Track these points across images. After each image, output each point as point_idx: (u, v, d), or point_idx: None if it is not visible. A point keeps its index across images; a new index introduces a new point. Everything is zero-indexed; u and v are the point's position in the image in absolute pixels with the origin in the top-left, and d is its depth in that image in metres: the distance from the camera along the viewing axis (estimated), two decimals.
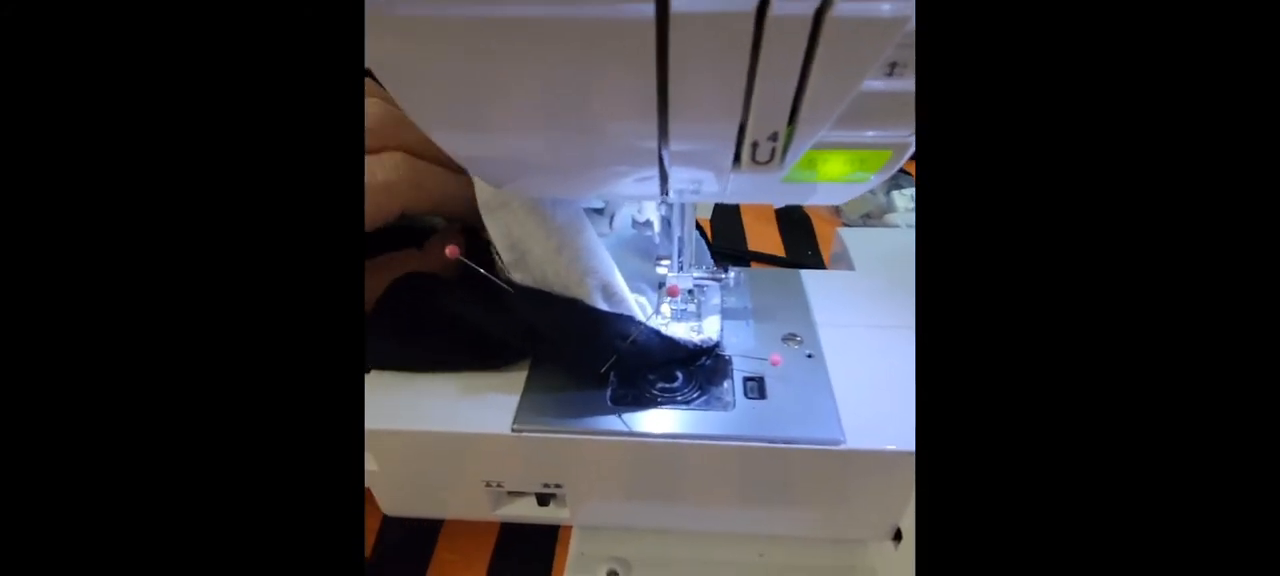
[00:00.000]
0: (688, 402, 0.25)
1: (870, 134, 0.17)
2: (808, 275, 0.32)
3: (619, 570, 0.30)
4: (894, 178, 0.61)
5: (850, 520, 0.27)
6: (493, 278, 0.24)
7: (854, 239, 0.36)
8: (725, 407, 0.25)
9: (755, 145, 0.17)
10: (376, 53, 0.14)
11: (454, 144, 0.19)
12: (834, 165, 0.18)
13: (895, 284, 0.32)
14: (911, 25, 0.13)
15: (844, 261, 0.36)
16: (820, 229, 0.57)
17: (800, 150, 0.17)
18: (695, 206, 0.26)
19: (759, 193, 0.22)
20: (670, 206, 0.26)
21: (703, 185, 0.20)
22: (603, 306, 0.24)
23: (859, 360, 0.27)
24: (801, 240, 0.56)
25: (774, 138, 0.16)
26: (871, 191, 0.60)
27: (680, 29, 0.13)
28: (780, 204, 0.24)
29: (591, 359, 0.24)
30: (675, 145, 0.17)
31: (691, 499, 0.27)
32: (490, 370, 0.26)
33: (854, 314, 0.30)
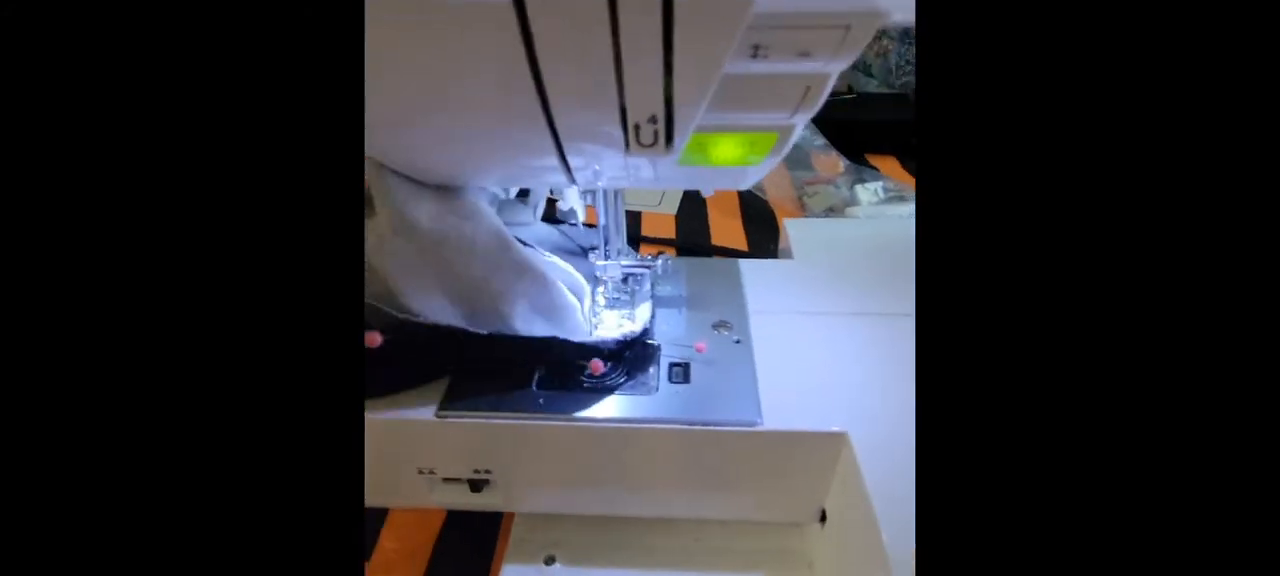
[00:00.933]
0: (613, 388, 0.26)
1: (749, 117, 0.17)
2: (747, 264, 0.33)
3: (557, 555, 0.30)
4: (858, 172, 0.62)
5: (776, 502, 0.27)
6: (409, 320, 0.23)
7: (798, 229, 0.37)
8: (649, 392, 0.25)
9: (638, 127, 0.17)
10: None
11: (383, 151, 0.20)
12: (724, 149, 0.18)
13: (832, 273, 0.32)
14: (763, 7, 0.14)
15: (788, 252, 0.36)
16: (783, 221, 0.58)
17: (685, 133, 0.17)
18: (623, 195, 0.27)
19: (664, 178, 0.22)
20: (593, 194, 0.26)
21: (604, 171, 0.20)
22: (531, 326, 0.25)
23: (786, 345, 0.28)
24: (765, 233, 0.56)
25: (654, 120, 0.17)
26: (835, 186, 0.61)
27: (538, 12, 0.14)
28: (704, 188, 0.24)
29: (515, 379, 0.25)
30: (564, 130, 0.18)
31: (623, 483, 0.28)
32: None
33: (787, 301, 0.30)
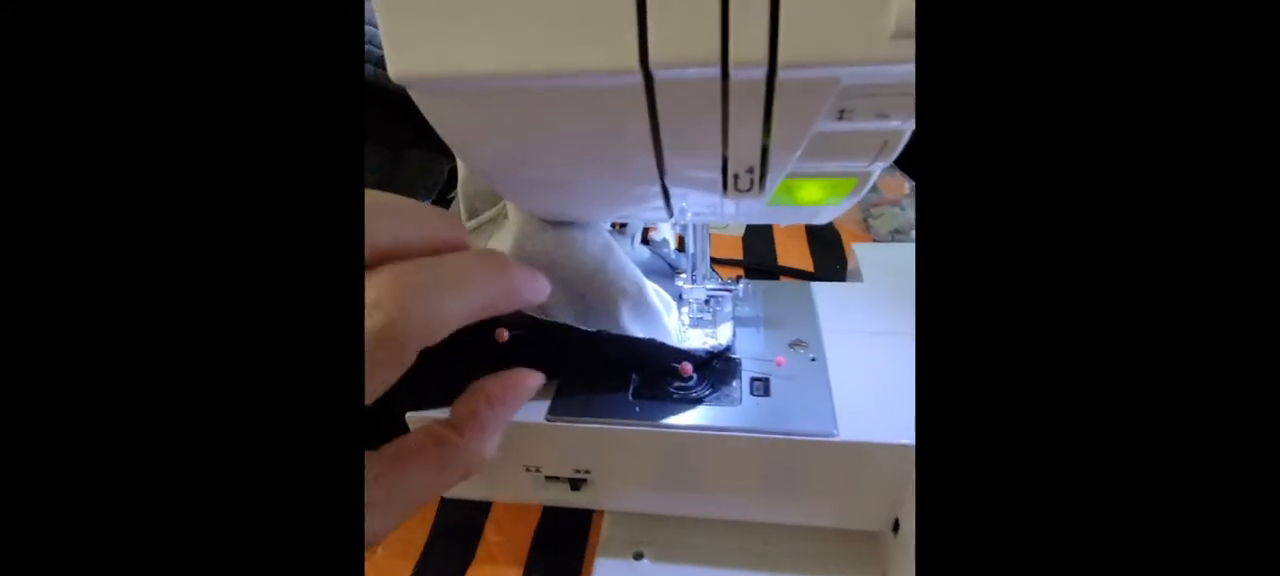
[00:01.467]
0: (700, 399, 0.29)
1: (832, 165, 0.20)
2: (818, 287, 0.35)
3: (645, 552, 0.33)
4: None
5: (849, 510, 0.30)
6: (535, 318, 0.27)
7: (867, 253, 0.39)
8: (732, 403, 0.28)
9: (737, 176, 0.20)
10: (448, 118, 0.19)
11: (499, 181, 0.24)
12: (809, 191, 0.21)
13: (900, 295, 0.34)
14: (849, 81, 0.16)
15: (857, 275, 0.38)
16: (850, 244, 0.59)
17: (776, 180, 0.20)
18: (708, 227, 0.30)
19: (753, 214, 0.25)
20: (685, 226, 0.30)
21: (701, 209, 0.23)
22: (630, 325, 0.28)
23: (859, 363, 0.30)
24: (830, 256, 0.58)
25: (751, 170, 0.20)
26: (900, 207, 0.62)
27: (664, 92, 0.17)
28: (775, 222, 0.27)
29: (613, 384, 0.29)
30: (673, 179, 0.21)
31: (705, 487, 0.31)
32: None
33: (858, 321, 0.32)
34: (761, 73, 0.16)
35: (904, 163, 0.67)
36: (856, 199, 0.22)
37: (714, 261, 0.58)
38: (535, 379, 0.26)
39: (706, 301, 0.32)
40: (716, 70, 0.16)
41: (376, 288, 0.18)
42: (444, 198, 0.46)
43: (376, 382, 0.17)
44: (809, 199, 0.22)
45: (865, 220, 0.62)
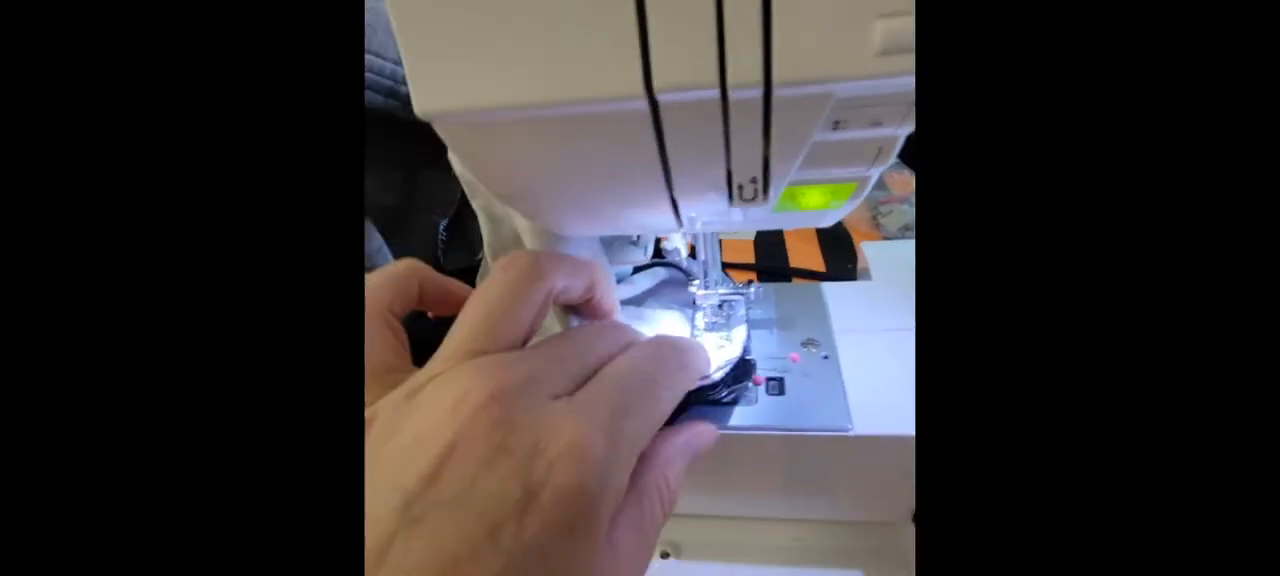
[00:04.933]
0: (718, 401, 0.30)
1: (832, 172, 0.21)
2: (829, 287, 0.36)
3: (671, 551, 0.34)
4: None
5: (868, 501, 0.30)
6: None
7: (875, 252, 0.39)
8: (749, 403, 0.29)
9: (741, 187, 0.21)
10: (470, 149, 0.20)
11: (518, 202, 0.25)
12: (811, 197, 0.22)
13: (908, 291, 0.35)
14: (841, 95, 0.18)
15: (867, 273, 0.39)
16: (859, 243, 0.60)
17: (779, 188, 0.22)
18: (718, 235, 0.31)
19: (760, 221, 0.26)
20: (695, 236, 0.31)
21: (710, 218, 0.25)
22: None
23: (870, 359, 0.31)
24: (841, 255, 0.59)
25: (754, 180, 0.21)
26: (909, 204, 0.63)
27: (668, 114, 0.18)
28: (783, 227, 0.28)
29: None
30: (681, 192, 0.22)
31: (729, 486, 0.32)
32: None
33: (868, 320, 0.33)
34: (758, 92, 0.17)
35: (912, 159, 0.67)
36: (858, 201, 0.23)
37: (727, 266, 0.60)
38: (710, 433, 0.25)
39: (720, 306, 0.33)
40: (716, 92, 0.17)
41: (572, 427, 0.18)
42: (459, 218, 0.48)
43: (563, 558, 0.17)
44: (812, 204, 0.23)
45: (874, 217, 0.63)
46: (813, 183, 0.22)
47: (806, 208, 0.23)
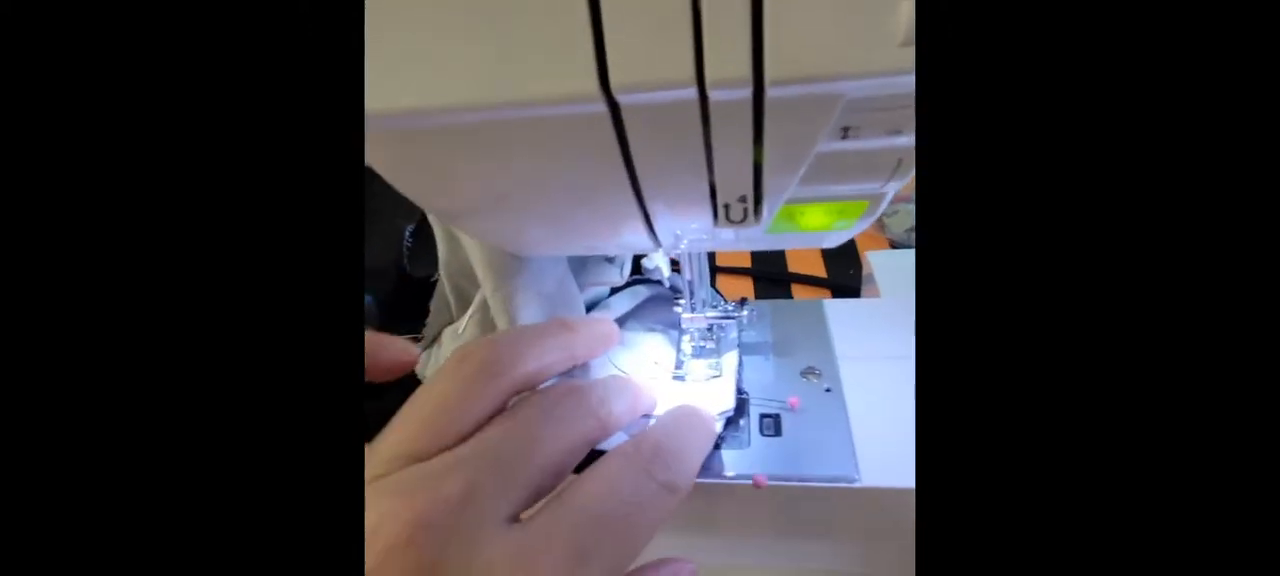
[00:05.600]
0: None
1: (839, 188, 0.17)
2: (830, 305, 0.32)
3: None
4: None
5: (876, 556, 0.27)
6: None
7: (882, 261, 0.36)
8: (740, 446, 0.26)
9: (727, 206, 0.17)
10: (399, 163, 0.17)
11: (465, 221, 0.21)
12: (813, 217, 0.19)
13: None
14: (853, 96, 0.14)
15: (873, 286, 0.35)
16: (863, 247, 0.56)
17: (774, 206, 0.18)
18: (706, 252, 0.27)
19: (753, 241, 0.22)
20: (679, 253, 0.27)
21: (692, 240, 0.21)
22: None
23: (880, 394, 0.27)
24: (843, 261, 0.55)
25: (744, 199, 0.17)
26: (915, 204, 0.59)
27: (632, 119, 0.14)
28: (780, 248, 0.24)
29: None
30: (655, 208, 0.18)
31: (719, 535, 0.28)
32: None
33: (877, 345, 0.29)
34: (746, 93, 0.13)
35: None
36: (871, 220, 0.19)
37: (718, 270, 0.56)
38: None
39: (709, 329, 0.29)
40: (692, 91, 0.13)
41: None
42: (426, 223, 0.44)
43: None
44: (814, 225, 0.19)
45: (880, 220, 0.59)
46: (816, 201, 0.18)
47: (807, 228, 0.19)
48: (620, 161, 0.16)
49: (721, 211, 0.18)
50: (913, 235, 0.56)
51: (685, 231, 0.20)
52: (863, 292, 0.39)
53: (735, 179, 0.16)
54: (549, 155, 0.16)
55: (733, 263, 0.56)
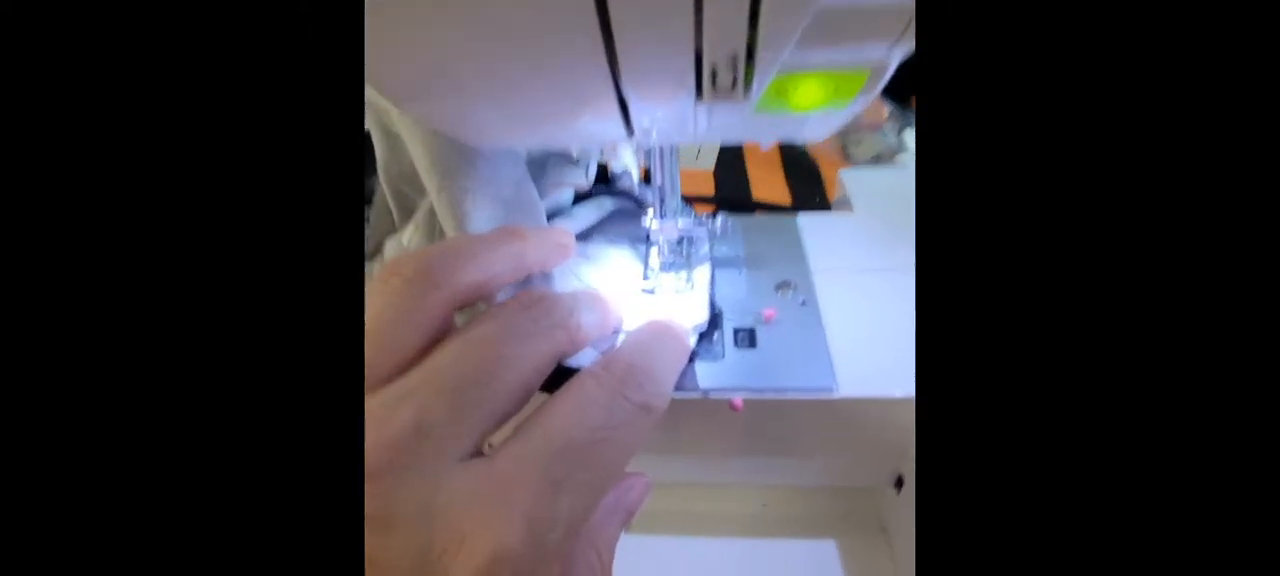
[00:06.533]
0: None
1: (841, 54, 0.15)
2: (805, 219, 0.31)
3: None
4: (905, 117, 0.59)
5: (850, 468, 0.26)
6: None
7: (856, 180, 0.34)
8: (714, 358, 0.24)
9: (715, 71, 0.15)
10: None
11: (408, 99, 0.19)
12: (807, 92, 0.17)
13: (897, 226, 0.30)
14: None
15: (845, 204, 0.34)
16: (828, 174, 0.55)
17: (766, 75, 0.16)
18: (678, 152, 0.25)
19: (734, 129, 0.20)
20: (649, 153, 0.25)
21: (669, 121, 0.19)
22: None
23: (856, 306, 0.26)
24: (808, 187, 0.54)
25: (734, 61, 0.15)
26: (881, 133, 0.58)
27: None
28: (761, 140, 0.22)
29: None
30: (631, 83, 0.16)
31: (690, 451, 0.27)
32: None
33: (852, 258, 0.28)
34: None
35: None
36: (867, 101, 0.17)
37: (682, 200, 0.54)
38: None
39: (679, 242, 0.27)
40: None
41: (481, 522, 0.14)
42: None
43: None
44: (807, 102, 0.17)
45: (844, 148, 0.58)
46: (812, 70, 0.16)
47: (799, 107, 0.17)
48: (595, 20, 0.14)
49: (708, 79, 0.15)
50: (878, 162, 0.55)
51: (658, 117, 0.18)
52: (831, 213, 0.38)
53: (727, 34, 0.14)
54: (511, 16, 0.14)
55: (696, 191, 0.54)
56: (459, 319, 0.19)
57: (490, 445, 0.16)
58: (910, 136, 0.56)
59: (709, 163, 0.58)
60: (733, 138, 0.22)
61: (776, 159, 0.58)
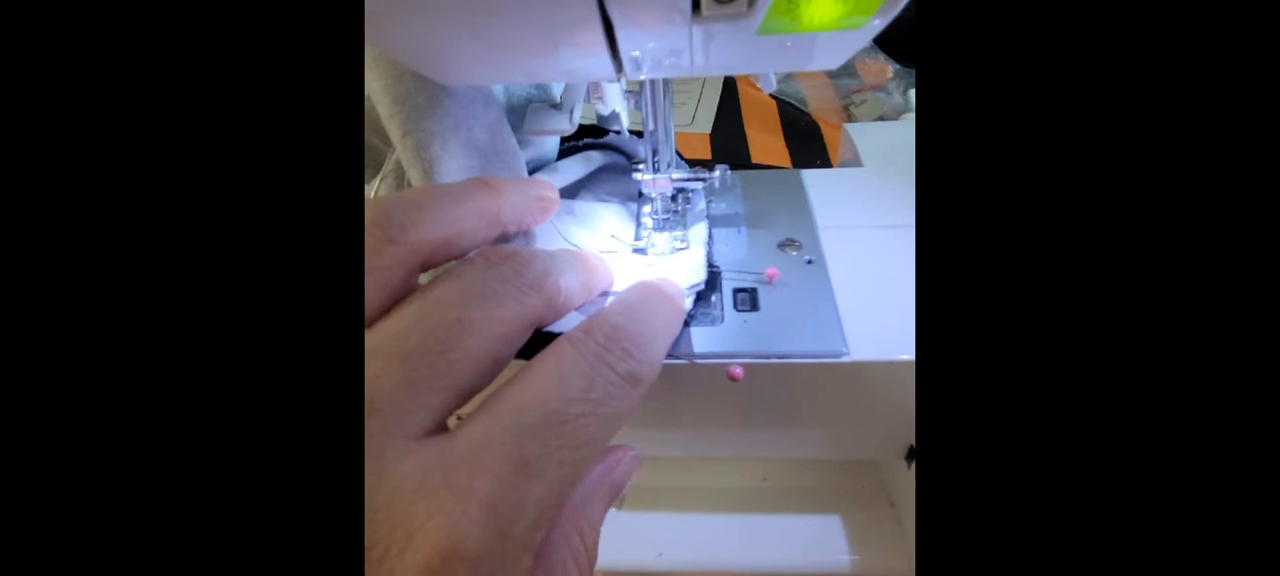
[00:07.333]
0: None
1: None
2: (809, 174, 0.29)
3: (621, 500, 0.28)
4: (909, 76, 0.56)
5: (859, 438, 0.24)
6: None
7: (862, 134, 0.32)
8: (713, 322, 0.22)
9: None
10: None
11: (387, 37, 0.16)
12: (821, 6, 0.14)
13: (905, 180, 0.28)
14: None
15: (852, 160, 0.32)
16: (830, 136, 0.53)
17: None
18: (671, 97, 0.23)
19: (734, 59, 0.18)
20: (638, 97, 0.22)
21: (661, 51, 0.16)
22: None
23: (866, 264, 0.24)
24: (810, 150, 0.52)
25: None
26: (885, 92, 0.55)
27: None
28: (763, 71, 0.20)
29: None
30: (619, 3, 0.14)
31: (689, 423, 0.25)
32: None
33: (860, 214, 0.26)
34: None
35: (885, 44, 0.59)
36: (887, 20, 0.15)
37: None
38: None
39: (674, 196, 0.25)
40: None
41: (434, 510, 0.12)
42: None
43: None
44: (820, 20, 0.15)
45: (846, 108, 0.56)
46: None
47: (811, 25, 0.15)
48: None
49: None
50: (882, 122, 0.53)
51: (649, 49, 0.16)
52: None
53: None
54: None
55: (692, 154, 0.52)
56: (424, 281, 0.17)
57: (459, 418, 0.14)
58: (915, 95, 0.53)
59: (706, 126, 0.55)
60: (733, 69, 0.19)
61: (776, 122, 0.56)
